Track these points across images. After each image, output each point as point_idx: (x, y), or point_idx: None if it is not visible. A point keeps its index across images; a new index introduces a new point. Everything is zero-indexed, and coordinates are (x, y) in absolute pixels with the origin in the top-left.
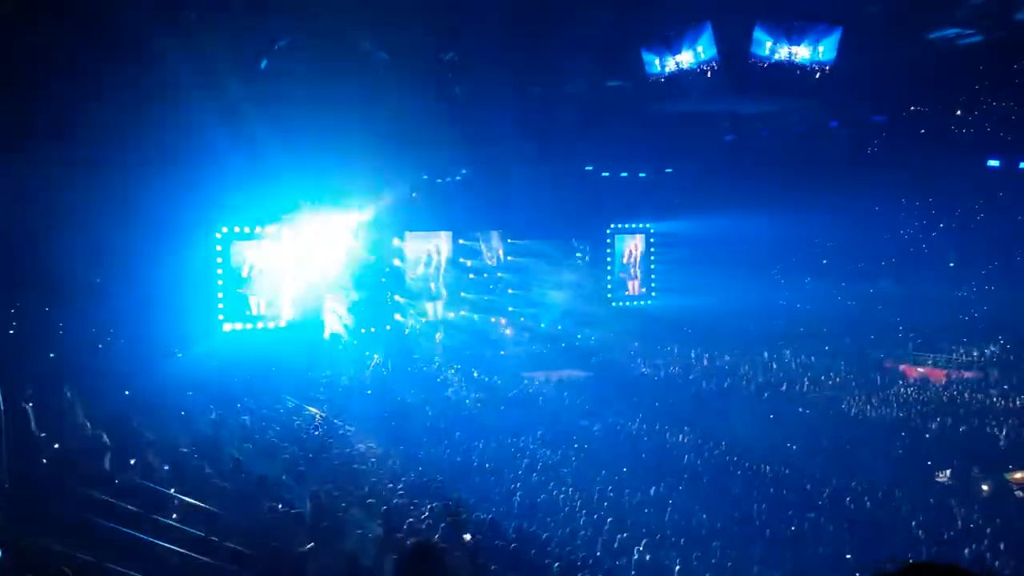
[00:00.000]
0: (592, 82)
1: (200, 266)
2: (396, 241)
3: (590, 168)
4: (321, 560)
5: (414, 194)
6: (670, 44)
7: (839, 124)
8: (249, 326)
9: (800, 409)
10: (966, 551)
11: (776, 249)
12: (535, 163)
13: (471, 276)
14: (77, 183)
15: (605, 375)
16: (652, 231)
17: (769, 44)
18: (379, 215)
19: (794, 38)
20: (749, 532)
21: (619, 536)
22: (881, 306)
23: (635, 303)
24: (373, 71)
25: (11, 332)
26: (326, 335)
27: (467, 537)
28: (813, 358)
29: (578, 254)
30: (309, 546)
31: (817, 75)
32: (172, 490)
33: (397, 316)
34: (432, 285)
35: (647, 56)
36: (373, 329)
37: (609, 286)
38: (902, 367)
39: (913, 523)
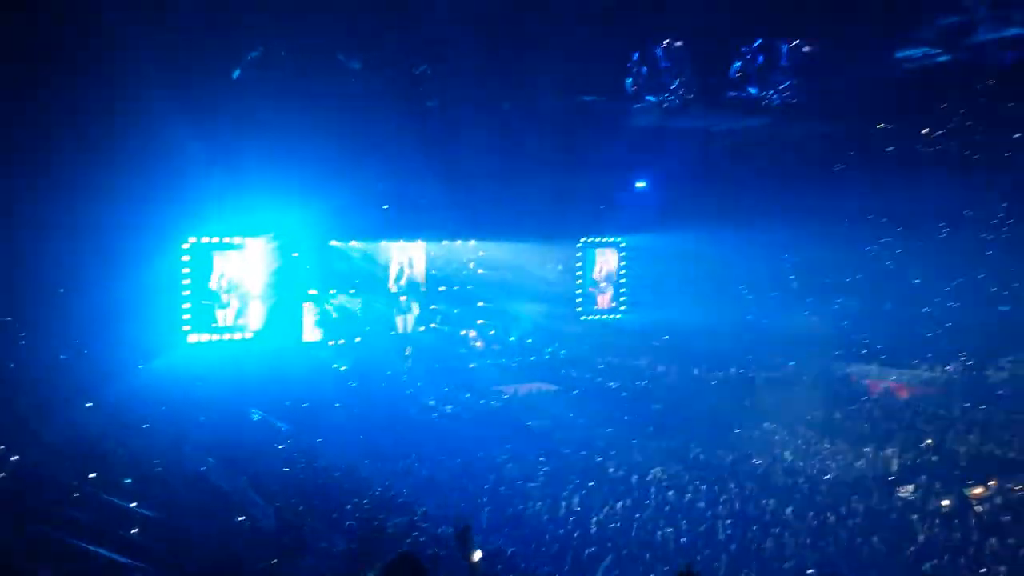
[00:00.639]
0: (566, 97)
1: (166, 276)
2: (363, 246)
3: (564, 180)
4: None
5: (385, 206)
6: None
7: (806, 141)
8: (216, 337)
9: (765, 424)
10: (927, 566)
11: (743, 265)
12: (507, 176)
13: (441, 288)
14: (39, 194)
15: (574, 388)
16: (623, 245)
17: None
18: (348, 224)
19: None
20: (714, 547)
21: (586, 551)
22: (846, 321)
23: (604, 317)
24: (346, 82)
25: None
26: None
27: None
28: (777, 373)
29: (549, 265)
30: (273, 561)
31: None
32: (134, 504)
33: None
34: (403, 298)
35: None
36: (343, 341)
37: (579, 299)
38: (866, 382)
39: (875, 538)
